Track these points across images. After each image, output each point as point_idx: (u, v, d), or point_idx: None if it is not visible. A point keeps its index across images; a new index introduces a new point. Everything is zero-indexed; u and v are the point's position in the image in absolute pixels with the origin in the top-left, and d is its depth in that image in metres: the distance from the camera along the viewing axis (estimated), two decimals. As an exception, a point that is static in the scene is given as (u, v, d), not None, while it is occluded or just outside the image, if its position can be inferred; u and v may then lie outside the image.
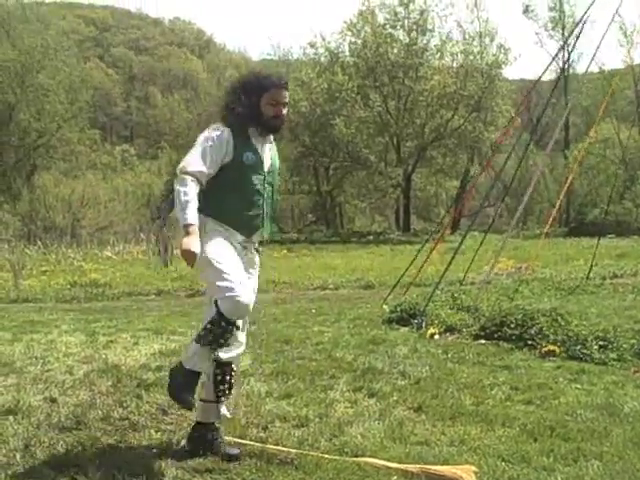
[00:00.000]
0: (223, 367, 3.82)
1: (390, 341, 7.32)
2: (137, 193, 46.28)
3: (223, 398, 3.88)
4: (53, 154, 44.56)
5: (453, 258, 9.57)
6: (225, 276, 3.61)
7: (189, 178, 3.70)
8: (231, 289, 3.57)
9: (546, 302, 8.48)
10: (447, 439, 4.08)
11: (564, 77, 40.58)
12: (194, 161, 3.76)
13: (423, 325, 8.09)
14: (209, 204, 3.78)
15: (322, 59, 42.91)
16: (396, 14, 40.98)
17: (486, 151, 37.55)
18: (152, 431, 4.23)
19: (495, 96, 40.45)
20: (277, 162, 4.13)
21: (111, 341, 7.32)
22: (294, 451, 3.83)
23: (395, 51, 40.12)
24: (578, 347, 6.52)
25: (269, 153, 4.03)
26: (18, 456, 3.76)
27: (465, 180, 41.08)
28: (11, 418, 4.43)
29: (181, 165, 3.76)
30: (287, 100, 3.97)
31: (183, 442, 3.99)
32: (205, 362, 3.73)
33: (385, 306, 9.63)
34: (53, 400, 4.89)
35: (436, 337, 7.61)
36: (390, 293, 10.53)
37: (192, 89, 66.16)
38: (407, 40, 40.57)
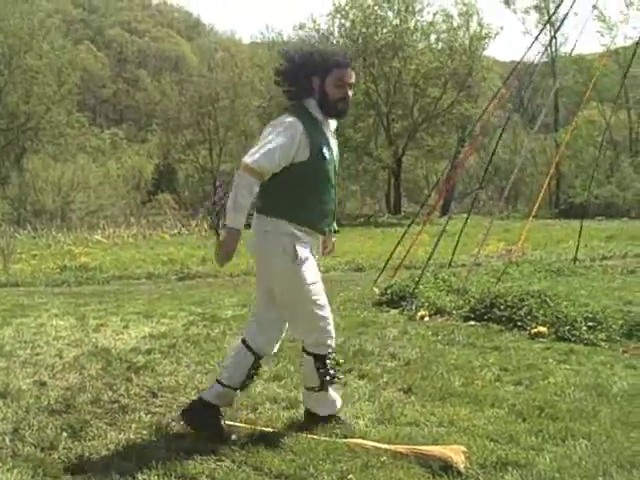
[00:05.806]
0: (258, 362, 3.88)
1: (380, 323, 7.33)
2: (127, 176, 46.05)
3: (246, 388, 3.99)
4: (42, 137, 44.25)
5: (439, 240, 9.58)
6: (323, 324, 3.73)
7: (253, 179, 3.49)
8: (329, 335, 3.77)
9: (535, 284, 8.50)
10: (436, 420, 4.09)
11: (552, 59, 40.57)
12: (262, 159, 3.50)
13: (413, 307, 8.10)
14: (290, 206, 3.59)
15: (312, 41, 42.60)
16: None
17: (472, 129, 37.72)
18: (142, 414, 4.23)
19: (480, 71, 40.55)
20: (337, 148, 3.89)
21: (101, 324, 7.31)
22: (284, 432, 3.85)
23: (384, 32, 40.01)
24: (567, 328, 6.54)
25: (334, 140, 3.81)
26: (7, 439, 3.76)
27: (454, 161, 41.10)
28: (0, 402, 4.43)
29: (248, 160, 3.51)
30: (353, 80, 3.72)
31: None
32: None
33: (375, 288, 9.63)
34: (43, 383, 4.90)
35: (426, 319, 7.62)
36: (379, 275, 10.53)
37: (182, 71, 65.66)
38: (397, 21, 40.47)
